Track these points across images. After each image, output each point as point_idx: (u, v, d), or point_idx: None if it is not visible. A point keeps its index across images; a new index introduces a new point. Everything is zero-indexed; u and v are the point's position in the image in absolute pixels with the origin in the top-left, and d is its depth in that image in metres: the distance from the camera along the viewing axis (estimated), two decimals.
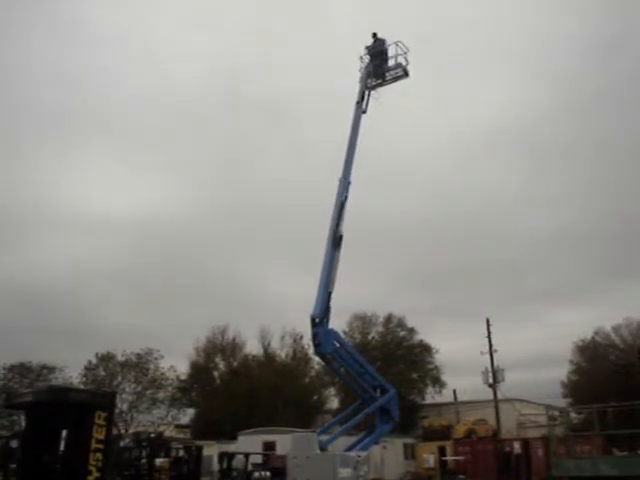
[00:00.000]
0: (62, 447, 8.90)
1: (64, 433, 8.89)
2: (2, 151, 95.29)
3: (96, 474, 8.90)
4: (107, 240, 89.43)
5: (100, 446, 9.04)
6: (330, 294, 17.73)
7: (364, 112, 21.77)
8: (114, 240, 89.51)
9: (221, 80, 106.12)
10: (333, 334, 17.51)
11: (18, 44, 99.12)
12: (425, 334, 60.22)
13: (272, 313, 76.79)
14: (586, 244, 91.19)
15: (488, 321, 49.27)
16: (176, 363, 55.60)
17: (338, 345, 17.75)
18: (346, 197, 19.41)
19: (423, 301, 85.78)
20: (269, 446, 35.85)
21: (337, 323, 18.04)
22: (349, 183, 19.71)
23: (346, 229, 18.94)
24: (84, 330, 70.34)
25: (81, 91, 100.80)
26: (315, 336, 17.01)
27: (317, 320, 16.98)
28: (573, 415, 37.65)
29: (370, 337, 59.76)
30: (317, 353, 17.84)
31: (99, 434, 9.07)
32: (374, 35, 23.36)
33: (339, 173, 19.77)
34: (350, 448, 17.19)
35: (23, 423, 9.37)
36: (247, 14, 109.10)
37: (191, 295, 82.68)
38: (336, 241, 18.48)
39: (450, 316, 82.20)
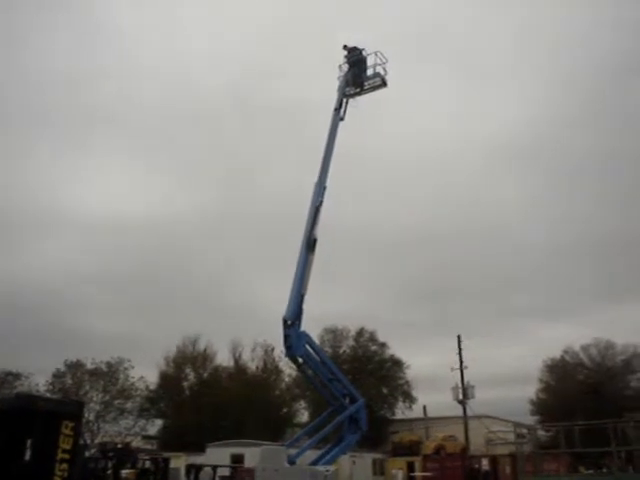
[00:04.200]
0: (27, 456, 8.72)
1: (29, 442, 8.71)
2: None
3: None
4: (89, 245, 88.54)
5: (66, 456, 8.88)
6: (303, 297, 17.76)
7: (342, 119, 22.02)
8: (97, 245, 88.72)
9: (237, 85, 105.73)
10: (305, 336, 17.52)
11: (35, 45, 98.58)
12: (398, 349, 60.48)
13: (248, 324, 76.08)
14: (581, 263, 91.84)
15: (459, 337, 49.55)
16: (147, 372, 55.13)
17: (310, 349, 17.75)
18: (321, 201, 19.56)
19: (399, 316, 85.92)
20: (237, 459, 35.58)
21: None
22: (325, 188, 19.89)
23: (320, 242, 19.02)
24: (57, 336, 69.07)
25: (92, 92, 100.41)
26: (287, 338, 16.98)
27: (289, 322, 17.00)
28: (541, 433, 37.95)
29: (341, 351, 59.77)
30: (288, 355, 17.79)
31: (65, 444, 8.91)
32: (345, 47, 23.64)
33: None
34: (318, 459, 17.12)
35: None
36: (266, 21, 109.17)
37: (171, 303, 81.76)
38: (310, 244, 18.59)
39: (425, 332, 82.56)
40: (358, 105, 23.14)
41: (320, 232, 19.13)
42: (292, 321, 17.13)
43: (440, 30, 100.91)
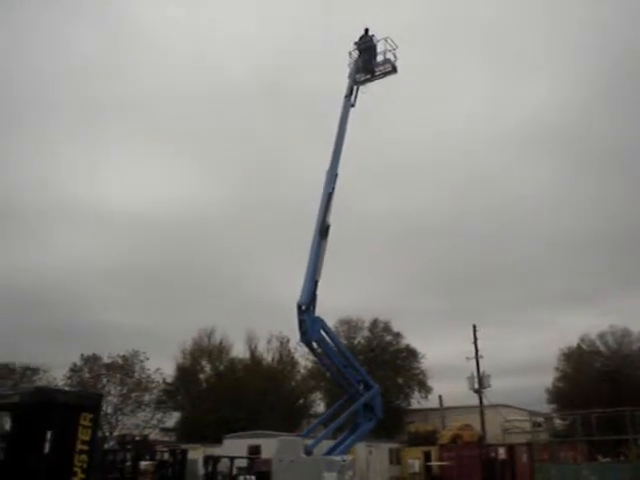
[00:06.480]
0: (47, 448, 8.86)
1: (49, 434, 8.85)
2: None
3: (81, 475, 8.90)
4: (105, 239, 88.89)
5: (85, 448, 9.04)
6: (317, 283, 17.85)
7: (353, 106, 22.07)
8: (112, 239, 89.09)
9: (264, 73, 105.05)
10: (319, 322, 17.59)
11: (56, 38, 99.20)
12: (413, 339, 60.40)
13: (263, 316, 76.22)
14: (597, 251, 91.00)
15: (474, 327, 49.43)
16: (164, 364, 55.44)
17: (325, 334, 17.83)
18: (333, 188, 19.60)
19: (414, 306, 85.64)
20: (254, 450, 35.78)
21: None
22: (336, 175, 19.91)
23: (332, 233, 19.02)
24: (74, 331, 69.61)
25: (114, 83, 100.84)
26: (301, 323, 17.06)
27: (303, 307, 17.09)
28: (558, 421, 37.90)
29: (356, 342, 59.75)
30: (303, 341, 17.85)
31: (84, 436, 9.06)
32: (366, 30, 23.64)
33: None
34: (333, 448, 17.19)
35: (7, 424, 9.27)
36: (296, 13, 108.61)
37: (187, 295, 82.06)
38: (323, 231, 18.66)
39: (440, 321, 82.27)
40: (368, 92, 23.21)
41: (333, 221, 19.16)
42: (306, 306, 17.23)
43: (468, 13, 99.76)
